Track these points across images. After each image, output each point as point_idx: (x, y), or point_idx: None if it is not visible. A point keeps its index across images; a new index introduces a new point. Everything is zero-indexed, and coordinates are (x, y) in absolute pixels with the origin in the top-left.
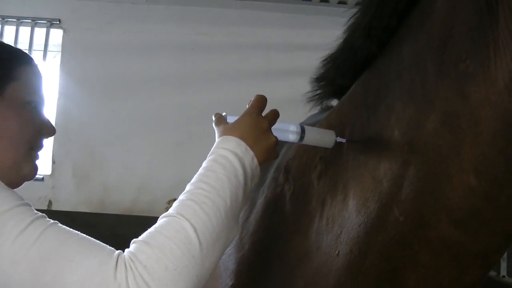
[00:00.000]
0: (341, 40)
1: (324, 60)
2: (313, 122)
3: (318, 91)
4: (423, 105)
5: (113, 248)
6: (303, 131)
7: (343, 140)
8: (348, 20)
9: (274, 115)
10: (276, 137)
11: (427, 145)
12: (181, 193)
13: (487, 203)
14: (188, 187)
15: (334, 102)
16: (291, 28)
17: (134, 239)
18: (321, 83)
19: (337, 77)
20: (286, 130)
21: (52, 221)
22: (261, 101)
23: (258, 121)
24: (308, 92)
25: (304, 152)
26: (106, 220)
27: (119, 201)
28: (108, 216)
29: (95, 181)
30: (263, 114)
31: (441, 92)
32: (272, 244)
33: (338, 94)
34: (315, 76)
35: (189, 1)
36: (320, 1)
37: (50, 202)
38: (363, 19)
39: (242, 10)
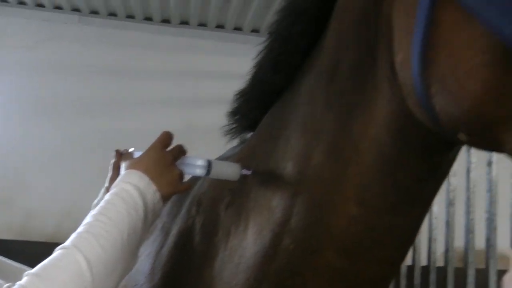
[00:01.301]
0: (251, 74)
1: (237, 94)
2: (231, 155)
3: (234, 125)
4: (311, 137)
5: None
6: (209, 165)
7: (249, 173)
8: (256, 56)
9: (179, 150)
10: (180, 170)
11: (314, 176)
12: None
13: (368, 231)
14: (87, 219)
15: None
16: (221, 56)
17: (27, 271)
18: (236, 117)
19: (249, 111)
20: (193, 165)
21: None
22: (166, 136)
23: (162, 156)
24: (225, 126)
25: (215, 184)
26: (28, 247)
27: (42, 227)
28: (30, 243)
29: (17, 206)
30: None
31: (327, 125)
32: (182, 276)
33: (252, 127)
34: (230, 110)
35: (121, 25)
36: (251, 31)
37: None
38: (270, 54)
39: (173, 37)
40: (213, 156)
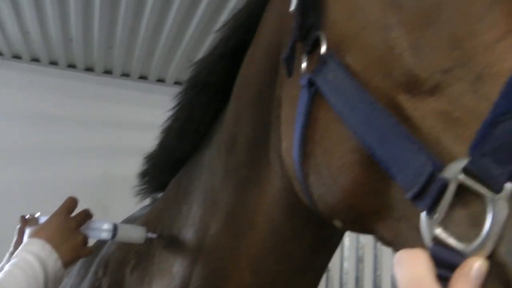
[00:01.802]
0: (159, 140)
1: (146, 157)
2: (140, 215)
3: (144, 186)
4: (210, 207)
5: None
6: (115, 228)
7: (154, 236)
8: (164, 122)
9: (84, 215)
10: (84, 235)
11: (212, 245)
12: None
13: None
14: None
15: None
16: (144, 106)
17: None
18: (146, 179)
19: (158, 174)
20: (99, 229)
21: None
22: (71, 202)
23: (66, 222)
24: (136, 186)
25: (122, 246)
26: None
27: None
28: None
29: None
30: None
31: (224, 197)
32: None
33: (162, 188)
34: (140, 171)
35: (44, 71)
36: (174, 83)
37: None
38: (176, 122)
39: (97, 86)
40: (131, 207)
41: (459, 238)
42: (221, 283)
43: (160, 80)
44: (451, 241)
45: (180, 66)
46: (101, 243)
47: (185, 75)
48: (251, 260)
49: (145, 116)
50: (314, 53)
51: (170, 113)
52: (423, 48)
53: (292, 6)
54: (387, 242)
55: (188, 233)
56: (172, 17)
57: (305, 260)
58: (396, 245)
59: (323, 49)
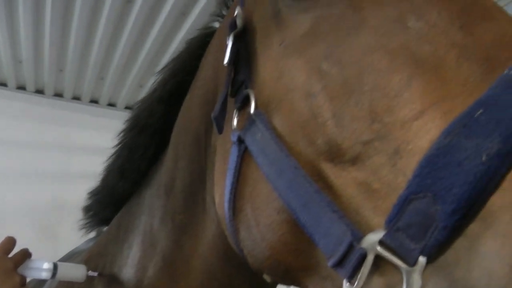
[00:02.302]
0: (101, 177)
1: (90, 192)
2: (82, 249)
3: (88, 220)
4: (149, 249)
5: None
6: (55, 267)
7: (95, 274)
8: (106, 160)
9: (22, 255)
10: (22, 276)
11: (149, 287)
12: None
13: None
14: None
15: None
16: (95, 130)
17: None
18: (89, 213)
19: (101, 210)
20: (38, 268)
21: None
22: (8, 242)
23: (2, 263)
24: (80, 220)
25: (64, 284)
26: None
27: None
28: None
29: None
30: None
31: (162, 239)
32: None
33: (106, 223)
34: (84, 205)
35: None
36: (125, 108)
37: None
38: (117, 161)
39: (47, 108)
40: (81, 234)
41: None
42: None
43: (111, 105)
44: None
45: (132, 91)
46: (39, 283)
47: (136, 100)
48: None
49: (96, 140)
50: (244, 110)
51: (118, 141)
52: (345, 118)
53: (226, 60)
54: None
55: (128, 273)
56: (123, 42)
57: None
58: None
59: (252, 108)
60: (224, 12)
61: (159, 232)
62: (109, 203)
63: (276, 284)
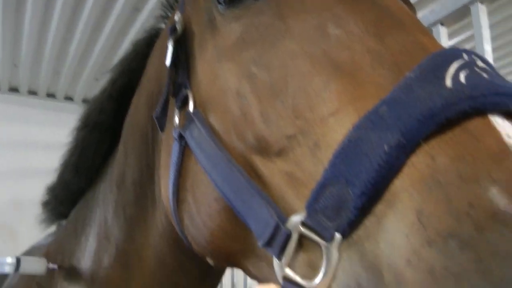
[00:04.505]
0: (57, 173)
1: (47, 188)
2: (43, 244)
3: (46, 215)
4: (103, 241)
5: None
6: (18, 261)
7: (55, 267)
8: (61, 156)
9: None
10: None
11: (104, 277)
12: None
13: None
14: None
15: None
16: (52, 126)
17: None
18: (47, 208)
19: (59, 204)
20: (1, 263)
21: None
22: None
23: None
24: (39, 215)
25: (25, 278)
26: None
27: None
28: None
29: None
30: None
31: (115, 232)
32: None
33: (64, 217)
34: (42, 201)
35: None
36: (82, 101)
37: None
38: (71, 158)
39: (3, 104)
40: (40, 231)
41: (303, 276)
42: None
43: (68, 98)
44: (297, 279)
45: (88, 84)
46: (1, 278)
47: (94, 93)
48: None
49: (54, 135)
50: (184, 109)
51: (71, 138)
52: (271, 116)
53: (167, 61)
54: (253, 277)
55: (85, 265)
56: (78, 35)
57: None
58: (259, 279)
59: (191, 107)
60: (170, 14)
61: (113, 225)
62: (66, 198)
63: (225, 267)
